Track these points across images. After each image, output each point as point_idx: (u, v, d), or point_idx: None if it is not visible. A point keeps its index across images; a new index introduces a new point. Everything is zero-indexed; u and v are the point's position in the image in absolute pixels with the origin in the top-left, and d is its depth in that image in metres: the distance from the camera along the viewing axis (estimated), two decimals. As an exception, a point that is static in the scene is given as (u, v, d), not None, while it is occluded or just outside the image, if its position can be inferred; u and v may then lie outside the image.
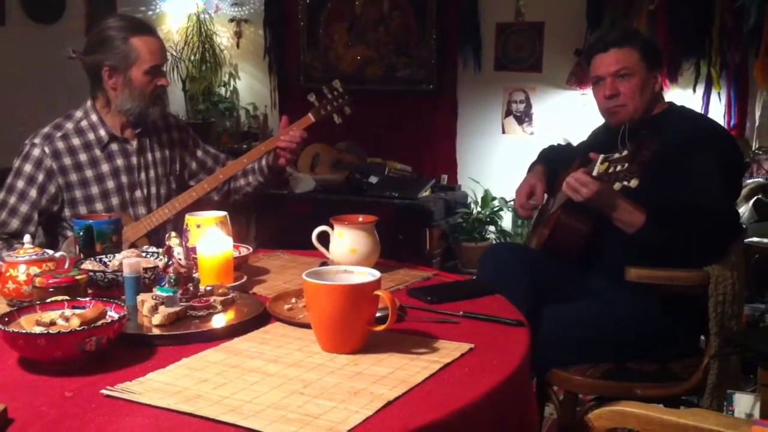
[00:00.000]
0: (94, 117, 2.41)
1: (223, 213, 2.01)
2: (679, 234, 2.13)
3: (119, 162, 2.43)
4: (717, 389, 2.13)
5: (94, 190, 2.38)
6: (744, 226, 2.85)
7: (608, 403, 1.47)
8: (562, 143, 3.13)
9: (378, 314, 1.43)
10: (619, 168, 2.01)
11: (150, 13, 5.55)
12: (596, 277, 2.35)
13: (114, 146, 2.43)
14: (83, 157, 2.38)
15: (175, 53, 5.63)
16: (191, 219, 1.98)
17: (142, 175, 2.47)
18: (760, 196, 3.53)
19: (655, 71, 2.36)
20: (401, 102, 5.32)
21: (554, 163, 2.63)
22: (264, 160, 2.51)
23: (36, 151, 2.34)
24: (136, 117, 2.41)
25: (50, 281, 1.56)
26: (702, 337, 2.32)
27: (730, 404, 2.12)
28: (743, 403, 2.08)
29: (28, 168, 2.34)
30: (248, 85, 5.93)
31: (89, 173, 2.38)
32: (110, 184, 2.41)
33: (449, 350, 1.41)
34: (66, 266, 1.73)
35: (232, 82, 5.92)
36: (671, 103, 2.43)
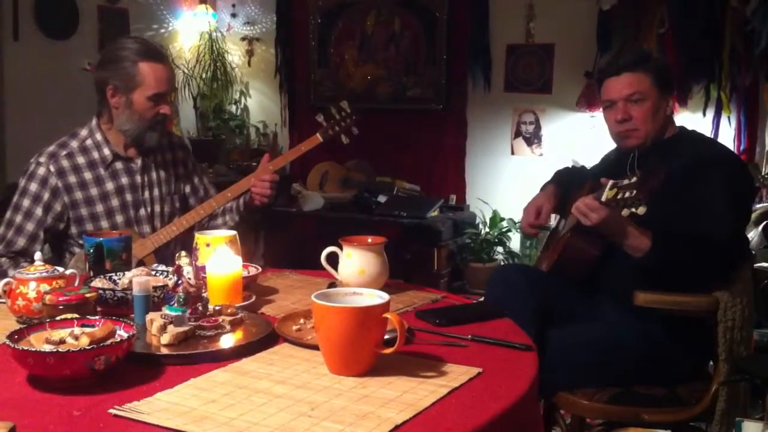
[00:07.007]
0: (98, 136, 2.43)
1: (233, 232, 2.01)
2: (681, 260, 2.13)
3: (124, 180, 2.45)
4: (726, 416, 2.12)
5: (99, 208, 2.40)
6: (753, 252, 2.84)
7: (615, 429, 1.46)
8: (573, 165, 3.12)
9: (386, 337, 1.43)
10: (627, 195, 2.00)
11: (162, 30, 5.59)
12: (604, 300, 2.35)
13: (118, 165, 2.45)
14: (88, 175, 2.40)
15: (186, 71, 5.68)
16: (201, 238, 1.98)
17: (146, 193, 2.49)
18: (769, 220, 3.52)
19: (667, 95, 2.35)
20: (410, 121, 5.34)
21: (568, 184, 2.62)
22: (242, 198, 2.53)
23: (41, 170, 2.36)
24: (133, 139, 2.43)
25: (60, 299, 1.56)
26: (710, 363, 2.31)
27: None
28: (751, 430, 2.07)
29: (33, 187, 2.36)
30: (259, 102, 5.97)
31: (94, 191, 2.40)
32: (114, 202, 2.42)
33: (457, 374, 1.41)
34: (76, 284, 1.74)
35: (242, 100, 5.96)
36: (682, 128, 2.42)
